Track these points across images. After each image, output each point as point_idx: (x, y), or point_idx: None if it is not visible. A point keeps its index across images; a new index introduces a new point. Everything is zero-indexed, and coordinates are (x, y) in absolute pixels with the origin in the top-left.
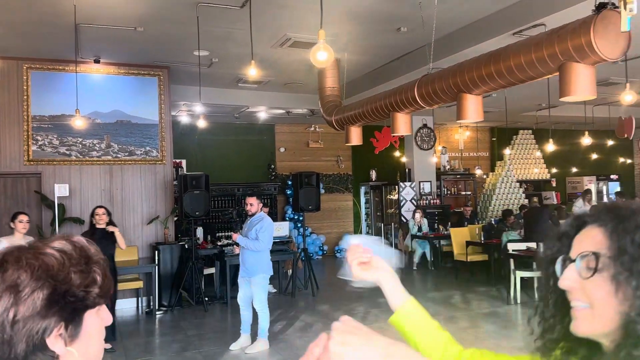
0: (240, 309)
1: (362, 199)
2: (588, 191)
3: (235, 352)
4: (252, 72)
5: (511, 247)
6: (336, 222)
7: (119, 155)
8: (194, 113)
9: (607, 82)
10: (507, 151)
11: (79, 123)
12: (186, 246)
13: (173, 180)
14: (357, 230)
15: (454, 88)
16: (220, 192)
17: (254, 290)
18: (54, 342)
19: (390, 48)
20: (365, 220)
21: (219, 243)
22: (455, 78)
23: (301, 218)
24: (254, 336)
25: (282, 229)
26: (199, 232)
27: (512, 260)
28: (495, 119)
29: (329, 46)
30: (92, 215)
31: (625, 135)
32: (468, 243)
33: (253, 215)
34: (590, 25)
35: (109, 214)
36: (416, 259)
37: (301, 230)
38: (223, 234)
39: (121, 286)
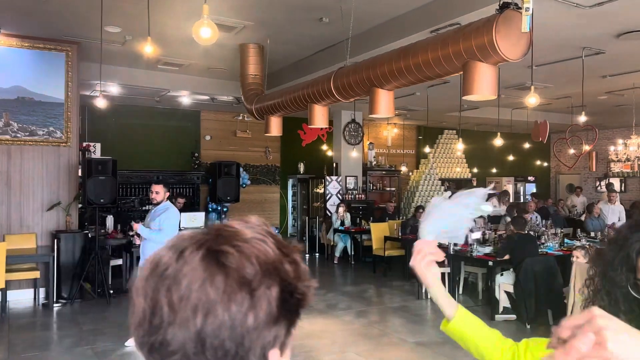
0: None
1: (290, 192)
2: (505, 193)
3: (130, 348)
4: (148, 49)
5: None
6: (262, 214)
7: (18, 135)
8: (109, 94)
9: (523, 87)
10: (427, 149)
11: None
12: (89, 235)
13: (79, 164)
14: (282, 223)
15: (367, 82)
16: (139, 179)
17: None
18: (274, 355)
19: (313, 38)
20: (292, 213)
21: (131, 233)
22: (368, 72)
23: (225, 209)
24: None
25: (197, 219)
26: (109, 220)
27: None
28: (422, 118)
29: (213, 23)
30: None
31: (540, 139)
32: (386, 238)
33: (158, 204)
34: (492, 24)
35: None
36: (337, 252)
37: (224, 221)
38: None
39: (16, 276)
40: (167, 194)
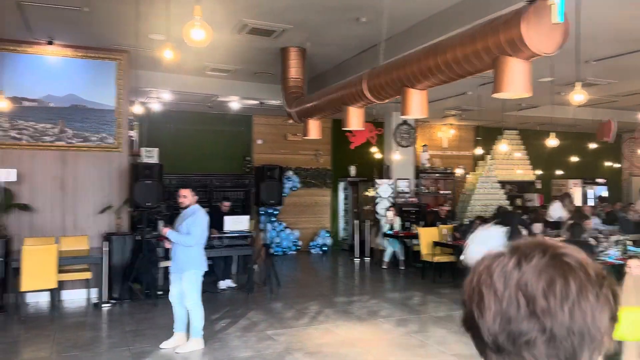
0: (173, 307)
1: (341, 195)
2: (567, 195)
3: (165, 351)
4: (168, 54)
5: None
6: (313, 217)
7: (72, 141)
8: (163, 101)
9: (584, 83)
10: (478, 150)
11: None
12: (137, 237)
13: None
14: (334, 226)
15: (398, 82)
16: (195, 182)
17: (184, 287)
18: None
19: (353, 39)
20: (344, 216)
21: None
22: (398, 72)
23: (276, 212)
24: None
25: (242, 223)
26: (161, 223)
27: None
28: (479, 118)
29: (207, 24)
30: None
31: (605, 139)
32: (436, 244)
33: (186, 207)
34: (521, 16)
35: None
36: (386, 257)
37: (275, 224)
38: None
39: (70, 276)
40: (195, 197)
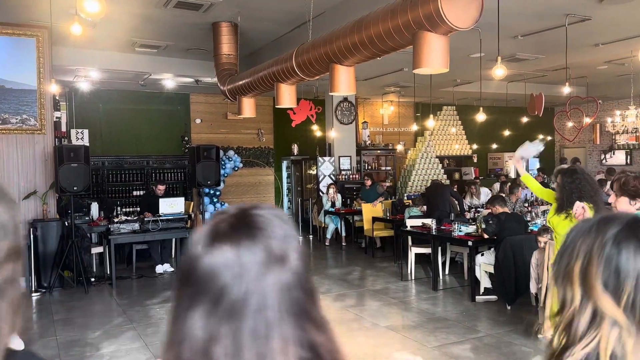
0: None
1: (284, 174)
2: (474, 182)
3: (92, 340)
4: (76, 29)
5: (409, 223)
6: (256, 197)
7: None
8: (92, 79)
9: (514, 58)
10: (414, 127)
11: None
12: (66, 223)
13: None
14: (277, 205)
15: (326, 58)
16: (129, 165)
17: None
18: None
19: (286, 14)
20: (287, 195)
21: (116, 220)
22: (325, 47)
23: (218, 193)
24: None
25: (177, 205)
26: (94, 208)
27: (409, 237)
28: (419, 95)
29: None
30: None
31: (536, 112)
32: (374, 219)
33: None
34: None
35: None
36: (328, 234)
37: (217, 205)
38: (122, 210)
39: None
40: None
